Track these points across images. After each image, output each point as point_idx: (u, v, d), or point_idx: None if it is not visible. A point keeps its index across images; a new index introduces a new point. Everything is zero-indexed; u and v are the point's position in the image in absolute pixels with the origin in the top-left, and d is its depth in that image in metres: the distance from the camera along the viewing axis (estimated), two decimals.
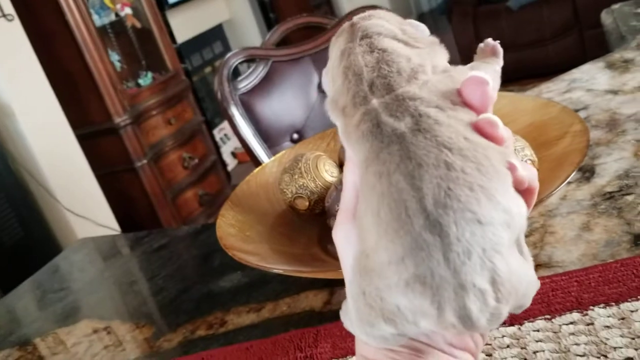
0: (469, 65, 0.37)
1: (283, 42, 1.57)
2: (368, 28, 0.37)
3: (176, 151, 3.12)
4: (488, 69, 0.38)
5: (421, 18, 6.28)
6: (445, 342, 0.35)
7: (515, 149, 0.66)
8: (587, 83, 1.07)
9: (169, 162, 3.08)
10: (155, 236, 1.09)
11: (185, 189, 3.15)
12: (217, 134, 3.99)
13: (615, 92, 1.00)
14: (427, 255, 0.29)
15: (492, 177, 0.30)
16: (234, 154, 4.20)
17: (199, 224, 1.11)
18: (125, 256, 1.06)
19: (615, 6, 1.44)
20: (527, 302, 0.32)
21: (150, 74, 3.07)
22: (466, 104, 0.33)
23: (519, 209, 0.31)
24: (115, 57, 2.93)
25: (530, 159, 0.67)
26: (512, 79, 3.34)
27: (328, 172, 0.81)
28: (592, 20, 3.40)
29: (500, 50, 0.39)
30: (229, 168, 3.84)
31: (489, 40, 0.39)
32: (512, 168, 0.31)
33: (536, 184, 0.34)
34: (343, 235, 0.36)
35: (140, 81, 3.02)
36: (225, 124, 4.20)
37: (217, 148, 3.54)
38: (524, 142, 0.68)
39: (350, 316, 0.34)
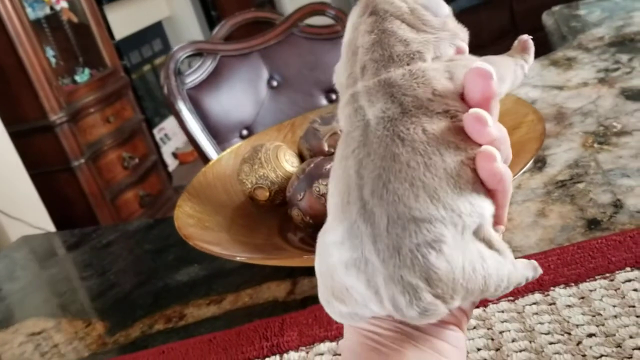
0: (486, 57, 0.36)
1: (227, 39, 1.55)
2: (378, 4, 0.36)
3: (115, 150, 3.04)
4: (506, 62, 0.37)
5: None
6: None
7: None
8: (534, 80, 1.11)
9: (108, 162, 3.00)
10: (104, 232, 1.06)
11: (125, 189, 3.07)
12: (157, 133, 3.91)
13: (560, 88, 1.04)
14: (360, 243, 0.30)
15: (439, 173, 0.29)
16: (174, 155, 4.12)
17: (150, 219, 1.08)
18: (72, 253, 1.02)
19: (556, 8, 1.50)
20: (497, 293, 0.32)
21: (87, 71, 2.97)
22: (467, 97, 0.33)
23: (472, 208, 0.30)
24: (50, 52, 2.82)
25: None
26: None
27: (289, 162, 0.80)
28: (528, 26, 3.52)
29: (531, 46, 0.38)
30: (170, 169, 3.77)
31: (523, 35, 0.38)
32: (480, 166, 0.31)
33: (508, 185, 0.33)
34: None
35: (77, 77, 2.92)
36: (165, 124, 4.12)
37: (158, 148, 3.47)
38: None
39: None
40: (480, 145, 0.31)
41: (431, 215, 0.29)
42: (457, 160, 0.30)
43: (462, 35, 0.37)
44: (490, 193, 0.32)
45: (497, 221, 0.34)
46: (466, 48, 0.37)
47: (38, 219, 2.61)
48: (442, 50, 0.35)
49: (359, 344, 0.35)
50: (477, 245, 0.31)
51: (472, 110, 0.31)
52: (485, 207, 0.31)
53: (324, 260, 0.33)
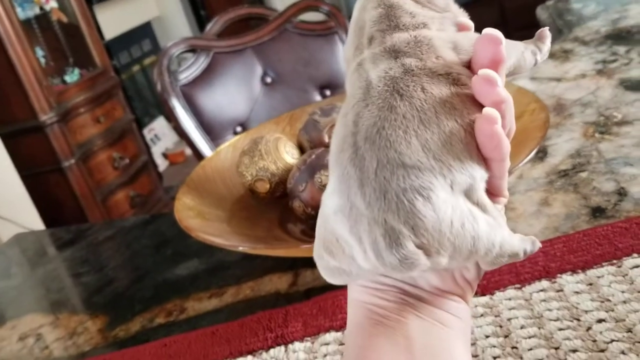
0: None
1: (220, 36, 1.54)
2: None
3: (106, 151, 3.01)
4: (515, 43, 0.37)
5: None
6: (430, 285, 0.36)
7: None
8: (531, 72, 1.11)
9: (99, 162, 2.97)
10: (100, 228, 1.04)
11: (115, 190, 3.04)
12: (147, 134, 3.88)
13: (558, 80, 1.04)
14: (347, 187, 0.30)
15: (433, 129, 0.30)
16: (165, 155, 4.10)
17: (147, 215, 1.07)
18: (67, 250, 1.01)
19: (550, 2, 1.50)
20: (487, 258, 0.32)
21: (77, 71, 2.95)
22: (475, 64, 0.33)
23: (463, 165, 0.30)
24: (40, 52, 2.80)
25: None
26: None
27: (289, 154, 0.79)
28: (519, 22, 3.54)
29: (546, 36, 0.38)
30: (160, 169, 3.75)
31: (544, 28, 0.39)
32: (479, 128, 0.30)
33: (505, 154, 0.32)
34: None
35: (67, 77, 2.89)
36: (155, 124, 4.10)
37: (148, 148, 3.45)
38: None
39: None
40: (481, 111, 0.31)
41: (421, 163, 0.29)
42: (453, 121, 0.30)
43: (464, 17, 0.38)
44: (486, 163, 0.31)
45: (497, 193, 0.34)
46: (471, 25, 0.37)
47: (29, 220, 2.58)
48: (446, 27, 0.36)
49: (365, 318, 0.35)
50: (469, 205, 0.30)
51: (481, 71, 0.31)
52: (476, 169, 0.30)
53: (320, 213, 0.33)
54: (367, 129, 0.30)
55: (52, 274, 0.94)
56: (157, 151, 3.95)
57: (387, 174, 0.29)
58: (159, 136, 4.09)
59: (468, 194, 0.30)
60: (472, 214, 0.30)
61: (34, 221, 2.63)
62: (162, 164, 3.96)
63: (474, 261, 0.32)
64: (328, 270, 0.34)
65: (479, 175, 0.31)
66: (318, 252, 0.34)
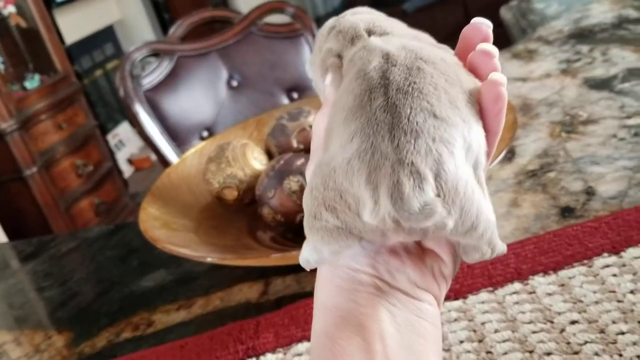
0: None
1: (183, 39, 1.52)
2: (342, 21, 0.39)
3: (69, 158, 2.94)
4: None
5: (318, 22, 6.33)
6: (409, 280, 0.35)
7: None
8: None
9: (61, 170, 2.90)
10: (62, 240, 1.01)
11: (79, 198, 2.98)
12: (111, 140, 3.81)
13: (524, 80, 1.05)
14: (373, 132, 0.30)
15: (458, 90, 0.31)
16: (130, 161, 4.03)
17: (111, 225, 1.04)
18: (29, 263, 0.98)
19: (513, 2, 1.51)
20: (481, 241, 0.32)
21: (37, 76, 2.88)
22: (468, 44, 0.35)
23: (478, 137, 0.31)
24: None
25: None
26: None
27: (257, 160, 0.78)
28: None
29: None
30: (126, 175, 3.68)
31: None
32: (486, 89, 0.32)
33: (501, 120, 0.33)
34: (308, 177, 0.36)
35: (27, 84, 2.82)
36: (119, 129, 4.03)
37: (112, 155, 3.38)
38: None
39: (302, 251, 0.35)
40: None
41: (450, 118, 0.30)
42: (472, 84, 0.32)
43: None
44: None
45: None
46: None
47: None
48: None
49: (334, 325, 0.34)
50: (472, 170, 0.31)
51: (479, 45, 0.33)
52: (484, 143, 0.31)
53: (319, 174, 0.32)
54: (398, 82, 0.31)
55: (14, 289, 0.91)
56: (122, 157, 3.88)
57: (420, 120, 0.29)
58: (124, 142, 4.02)
59: (475, 167, 0.31)
60: (477, 186, 0.31)
61: None
62: (127, 170, 3.90)
63: (470, 239, 0.32)
64: (324, 232, 0.32)
65: (484, 147, 0.31)
66: (315, 211, 0.32)
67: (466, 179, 0.30)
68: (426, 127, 0.29)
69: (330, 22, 0.40)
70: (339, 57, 0.37)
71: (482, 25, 0.34)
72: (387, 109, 0.30)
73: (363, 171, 0.29)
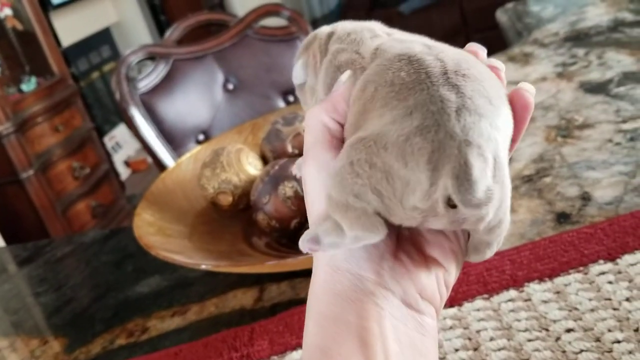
0: None
1: (179, 42, 1.51)
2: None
3: (65, 160, 2.93)
4: None
5: (315, 23, 6.33)
6: (415, 290, 0.33)
7: None
8: None
9: (58, 173, 2.89)
10: (58, 245, 1.01)
11: (76, 200, 2.97)
12: (108, 142, 3.80)
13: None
14: (438, 110, 0.28)
15: (499, 89, 0.31)
16: (127, 163, 4.03)
17: (106, 230, 1.03)
18: (24, 268, 0.97)
19: (509, 5, 1.51)
20: (501, 229, 0.31)
21: (34, 79, 2.87)
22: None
23: (511, 134, 0.31)
24: None
25: None
26: None
27: (252, 165, 0.78)
28: (479, 24, 3.58)
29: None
30: (123, 177, 3.68)
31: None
32: (518, 95, 0.32)
33: (519, 137, 0.33)
34: (315, 167, 0.34)
35: (24, 86, 2.81)
36: (116, 132, 4.02)
37: (109, 157, 3.37)
38: None
39: (312, 230, 0.32)
40: None
41: (500, 107, 0.29)
42: (500, 84, 0.32)
43: None
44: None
45: None
46: None
47: None
48: None
49: (340, 307, 0.32)
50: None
51: (490, 60, 0.33)
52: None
53: (364, 149, 0.29)
54: (454, 65, 0.30)
55: (9, 294, 0.90)
56: (118, 159, 3.87)
57: (480, 103, 0.28)
58: (121, 144, 4.01)
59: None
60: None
61: None
62: (124, 172, 3.89)
63: (488, 236, 0.32)
64: (362, 215, 0.30)
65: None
66: (357, 191, 0.29)
67: (507, 170, 0.29)
68: (486, 111, 0.28)
69: (327, 29, 0.40)
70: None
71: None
72: (449, 87, 0.29)
73: (425, 150, 0.28)
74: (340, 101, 0.34)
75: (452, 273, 0.35)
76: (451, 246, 0.35)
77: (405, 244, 0.34)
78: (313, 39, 0.40)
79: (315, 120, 0.35)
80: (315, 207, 0.33)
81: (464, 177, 0.27)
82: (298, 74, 0.40)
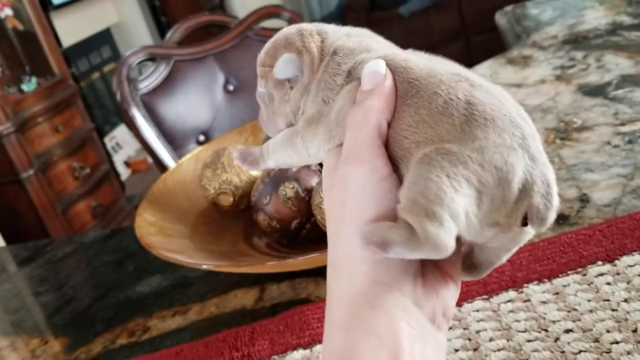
0: None
1: (180, 44, 1.52)
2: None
3: (65, 160, 2.94)
4: None
5: None
6: (441, 306, 0.33)
7: None
8: (492, 78, 1.12)
9: (58, 173, 2.90)
10: (59, 244, 1.01)
11: (76, 200, 2.97)
12: (108, 142, 3.81)
13: (519, 85, 1.05)
14: (521, 135, 0.31)
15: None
16: (127, 163, 4.03)
17: (107, 230, 1.03)
18: (25, 267, 0.98)
19: (508, 8, 1.52)
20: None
21: (34, 79, 2.87)
22: None
23: None
24: None
25: None
26: None
27: None
28: (478, 27, 3.59)
29: None
30: (123, 178, 3.68)
31: None
32: None
33: None
34: (367, 170, 0.32)
35: (24, 86, 2.82)
36: (116, 132, 4.03)
37: (109, 157, 3.38)
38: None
39: (381, 232, 0.30)
40: None
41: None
42: None
43: None
44: None
45: None
46: None
47: None
48: None
49: (378, 321, 0.31)
50: None
51: None
52: None
53: (453, 167, 0.29)
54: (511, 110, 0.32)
55: (10, 293, 0.90)
56: (119, 160, 3.88)
57: (532, 128, 0.32)
58: (121, 144, 4.02)
59: None
60: None
61: None
62: (124, 172, 3.89)
63: (503, 258, 0.35)
64: (438, 234, 0.29)
65: None
66: (484, 217, 0.30)
67: None
68: (536, 134, 0.32)
69: (311, 27, 0.39)
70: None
71: None
72: (515, 125, 0.31)
73: (518, 169, 0.30)
74: (392, 101, 0.33)
75: (458, 288, 0.36)
76: (458, 264, 0.36)
77: (427, 262, 0.34)
78: (302, 36, 0.38)
79: (372, 117, 0.33)
80: (365, 209, 0.32)
81: (547, 197, 0.30)
82: (284, 69, 0.38)
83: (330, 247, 0.34)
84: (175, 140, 1.47)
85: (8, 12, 2.80)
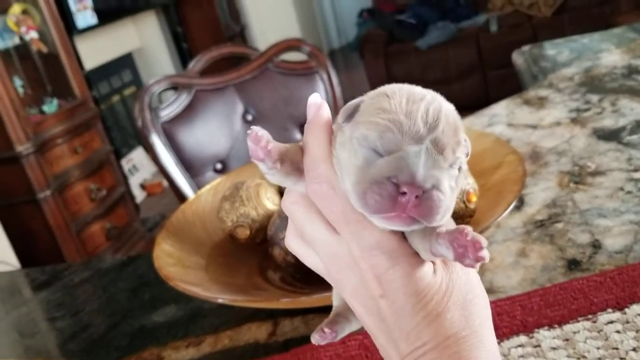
0: None
1: (202, 73, 1.55)
2: None
3: (83, 182, 2.98)
4: None
5: (332, 54, 6.42)
6: None
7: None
8: (507, 118, 1.13)
9: (75, 194, 2.93)
10: (77, 269, 1.03)
11: (91, 222, 3.00)
12: (125, 165, 3.86)
13: (534, 127, 1.07)
14: None
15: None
16: (142, 186, 4.07)
17: (124, 256, 1.05)
18: (43, 291, 0.99)
19: (525, 48, 1.54)
20: None
21: (56, 101, 2.93)
22: None
23: None
24: (18, 82, 2.78)
25: (472, 187, 0.69)
26: None
27: (270, 200, 0.80)
28: (495, 63, 3.62)
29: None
30: (138, 200, 3.71)
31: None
32: None
33: None
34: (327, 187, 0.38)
35: (45, 108, 2.87)
36: (133, 154, 4.08)
37: (125, 179, 3.42)
38: (466, 170, 0.70)
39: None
40: None
41: None
42: None
43: None
44: None
45: None
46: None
47: (1, 252, 2.53)
48: None
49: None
50: None
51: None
52: None
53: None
54: None
55: (26, 318, 0.92)
56: (134, 182, 3.92)
57: None
58: (137, 167, 4.06)
59: None
60: None
61: (7, 254, 2.58)
62: (139, 195, 3.93)
63: None
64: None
65: None
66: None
67: None
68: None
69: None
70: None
71: None
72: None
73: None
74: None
75: None
76: None
77: None
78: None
79: (317, 151, 0.41)
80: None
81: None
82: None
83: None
84: (193, 168, 1.50)
85: (34, 34, 2.86)
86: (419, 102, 0.37)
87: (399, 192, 0.34)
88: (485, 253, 0.34)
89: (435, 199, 0.34)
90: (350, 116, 0.39)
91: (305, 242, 0.41)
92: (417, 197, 0.34)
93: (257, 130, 0.39)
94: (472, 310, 0.37)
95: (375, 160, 0.36)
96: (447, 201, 0.35)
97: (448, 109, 0.38)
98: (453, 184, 0.36)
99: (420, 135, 0.35)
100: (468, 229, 0.34)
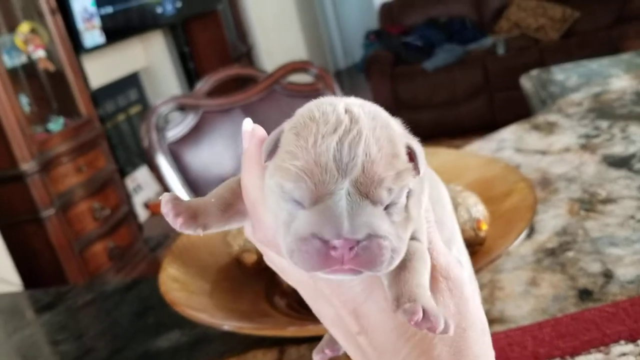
0: None
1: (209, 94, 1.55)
2: None
3: (86, 201, 2.97)
4: None
5: (338, 75, 6.44)
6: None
7: (467, 205, 0.67)
8: (516, 143, 1.13)
9: (78, 213, 2.92)
10: (80, 291, 1.02)
11: (94, 241, 2.99)
12: (130, 183, 3.85)
13: (543, 153, 1.06)
14: None
15: None
16: (146, 205, 4.06)
17: (126, 277, 1.04)
18: (45, 314, 0.98)
19: (533, 72, 1.54)
20: None
21: (61, 119, 2.93)
22: None
23: None
24: (24, 100, 2.79)
25: (483, 215, 0.68)
26: (427, 136, 3.47)
27: None
28: (502, 85, 3.62)
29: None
30: (141, 219, 3.71)
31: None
32: None
33: None
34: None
35: (51, 126, 2.88)
36: (138, 174, 4.08)
37: (129, 199, 3.41)
38: (477, 198, 0.69)
39: None
40: None
41: None
42: None
43: None
44: None
45: None
46: None
47: (3, 270, 2.52)
48: None
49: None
50: None
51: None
52: None
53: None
54: None
55: (29, 340, 0.91)
56: (138, 201, 3.91)
57: None
58: (142, 186, 4.06)
59: None
60: None
61: (8, 271, 2.57)
62: (143, 214, 3.92)
63: None
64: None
65: None
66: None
67: None
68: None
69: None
70: None
71: None
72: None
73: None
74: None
75: None
76: None
77: None
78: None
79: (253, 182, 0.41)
80: None
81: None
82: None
83: None
84: (198, 189, 1.49)
85: (41, 53, 2.88)
86: (330, 137, 0.32)
87: (329, 247, 0.30)
88: (441, 329, 0.31)
89: (373, 248, 0.30)
90: (271, 153, 0.35)
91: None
92: (351, 248, 0.30)
93: (165, 199, 0.37)
94: (462, 345, 0.34)
95: (297, 213, 0.32)
96: (392, 244, 0.31)
97: (374, 135, 0.32)
98: (398, 219, 0.32)
99: (336, 181, 0.31)
100: (418, 315, 0.30)
